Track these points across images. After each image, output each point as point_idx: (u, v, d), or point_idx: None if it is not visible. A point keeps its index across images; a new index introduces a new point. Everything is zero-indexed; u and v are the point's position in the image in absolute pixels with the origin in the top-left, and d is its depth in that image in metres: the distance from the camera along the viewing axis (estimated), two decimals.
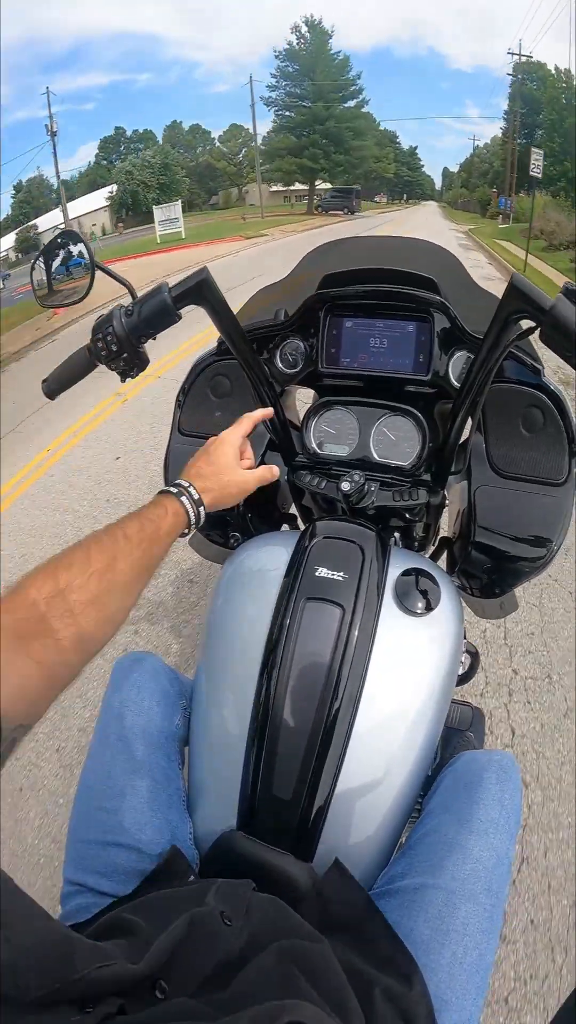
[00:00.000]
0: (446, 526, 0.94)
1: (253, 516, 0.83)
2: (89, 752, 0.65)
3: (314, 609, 0.62)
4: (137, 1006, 0.33)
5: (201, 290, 0.62)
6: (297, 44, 33.55)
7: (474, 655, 0.96)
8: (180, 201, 18.12)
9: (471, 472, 0.76)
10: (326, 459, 0.80)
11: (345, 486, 0.70)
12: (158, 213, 17.16)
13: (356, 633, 0.60)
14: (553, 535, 0.71)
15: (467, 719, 0.96)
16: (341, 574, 0.63)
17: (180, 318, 0.64)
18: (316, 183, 33.84)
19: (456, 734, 0.94)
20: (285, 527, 0.95)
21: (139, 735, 0.64)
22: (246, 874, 0.53)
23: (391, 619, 0.63)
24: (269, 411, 0.74)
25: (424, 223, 21.92)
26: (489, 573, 0.77)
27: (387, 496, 0.75)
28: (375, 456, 0.78)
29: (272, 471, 0.71)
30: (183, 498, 0.59)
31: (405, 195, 56.59)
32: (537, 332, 0.54)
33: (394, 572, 0.66)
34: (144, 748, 0.63)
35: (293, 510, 0.96)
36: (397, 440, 0.77)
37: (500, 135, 32.22)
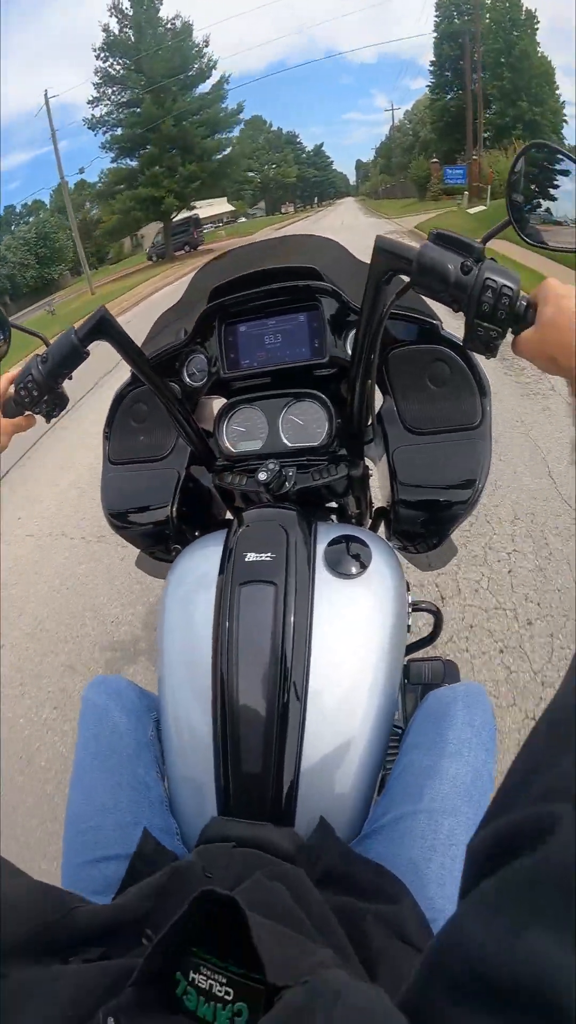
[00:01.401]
0: (381, 498, 0.97)
1: (191, 527, 0.87)
2: (71, 780, 0.67)
3: (250, 592, 0.65)
4: (121, 953, 0.34)
5: (101, 326, 0.67)
6: (118, 29, 22.39)
7: (436, 613, 1.03)
8: None
9: (387, 437, 0.79)
10: (242, 456, 0.83)
11: (262, 476, 0.74)
12: None
13: (293, 605, 0.63)
14: (476, 475, 0.74)
15: (439, 673, 0.99)
16: (269, 554, 0.66)
17: (88, 354, 0.69)
18: (175, 214, 24.16)
19: (429, 689, 0.94)
20: None
21: (114, 751, 0.66)
22: None
23: (326, 586, 0.66)
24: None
25: (343, 230, 14.21)
26: (423, 526, 0.80)
27: (307, 478, 0.78)
28: (287, 443, 0.81)
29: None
30: None
31: (316, 198, 50.33)
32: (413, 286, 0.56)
33: (323, 543, 0.69)
34: (120, 762, 0.65)
35: (230, 516, 1.00)
36: (305, 423, 0.81)
37: (427, 93, 24.87)
